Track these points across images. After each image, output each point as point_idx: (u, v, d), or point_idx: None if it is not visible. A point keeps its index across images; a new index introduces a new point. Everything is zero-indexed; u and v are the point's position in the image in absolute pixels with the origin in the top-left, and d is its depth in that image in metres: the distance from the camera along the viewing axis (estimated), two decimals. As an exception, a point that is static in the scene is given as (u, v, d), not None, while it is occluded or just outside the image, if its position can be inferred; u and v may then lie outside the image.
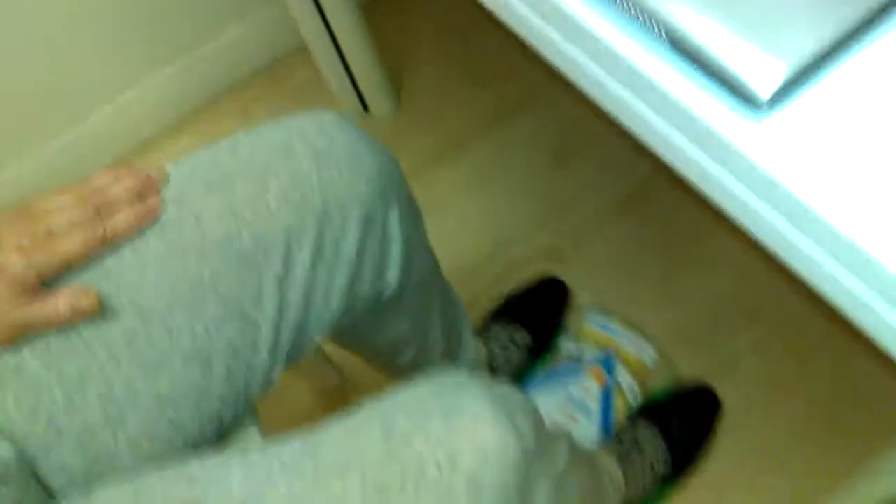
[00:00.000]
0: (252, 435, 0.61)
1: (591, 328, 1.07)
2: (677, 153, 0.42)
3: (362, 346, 0.79)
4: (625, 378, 1.03)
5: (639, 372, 1.03)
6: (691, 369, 1.03)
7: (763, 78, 0.36)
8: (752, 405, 1.00)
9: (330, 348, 1.07)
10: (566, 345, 1.07)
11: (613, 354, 1.04)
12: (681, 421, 0.96)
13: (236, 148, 0.57)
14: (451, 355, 0.87)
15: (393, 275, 0.64)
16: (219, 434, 0.58)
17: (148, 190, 0.54)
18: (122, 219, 0.52)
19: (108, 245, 0.51)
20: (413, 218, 0.67)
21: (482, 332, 1.05)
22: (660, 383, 1.03)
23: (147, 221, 0.53)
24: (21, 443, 0.50)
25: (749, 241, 1.08)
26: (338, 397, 1.11)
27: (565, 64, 0.46)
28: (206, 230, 0.54)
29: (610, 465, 0.88)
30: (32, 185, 1.33)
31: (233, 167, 0.56)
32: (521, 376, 1.05)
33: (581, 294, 1.11)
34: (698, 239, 1.12)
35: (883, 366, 0.98)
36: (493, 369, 1.00)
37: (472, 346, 0.92)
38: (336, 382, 1.10)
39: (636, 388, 1.02)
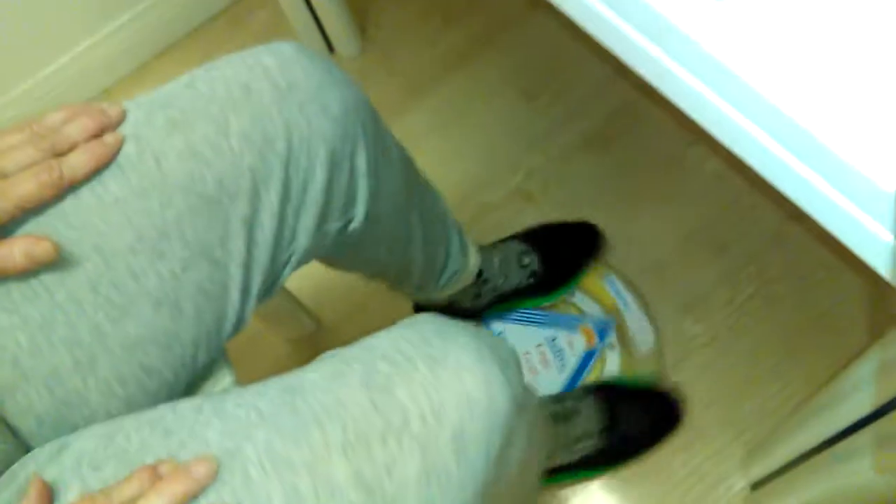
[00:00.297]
0: (226, 379, 0.61)
1: (606, 289, 1.05)
2: (633, 48, 0.41)
3: (341, 267, 0.78)
4: (612, 351, 1.01)
5: (629, 350, 1.02)
6: (661, 302, 1.04)
7: None
8: (720, 333, 1.02)
9: (305, 296, 1.08)
10: (576, 295, 1.05)
11: (613, 324, 1.03)
12: (632, 415, 0.94)
13: (194, 83, 0.55)
14: (433, 268, 0.86)
15: (360, 209, 0.63)
16: (192, 377, 0.58)
17: (105, 128, 0.51)
18: (79, 158, 0.49)
19: (64, 187, 0.49)
20: (382, 149, 0.65)
21: (497, 243, 1.03)
22: (644, 368, 1.01)
23: (105, 161, 0.50)
24: None
25: (716, 171, 1.09)
26: (313, 345, 1.11)
27: None
28: (167, 172, 0.52)
29: (538, 419, 0.86)
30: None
31: (191, 105, 0.54)
32: (517, 300, 1.03)
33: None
34: (664, 172, 1.12)
35: (847, 283, 1.00)
36: (483, 279, 0.98)
37: (457, 261, 0.89)
38: (311, 330, 1.10)
39: (617, 366, 1.00)
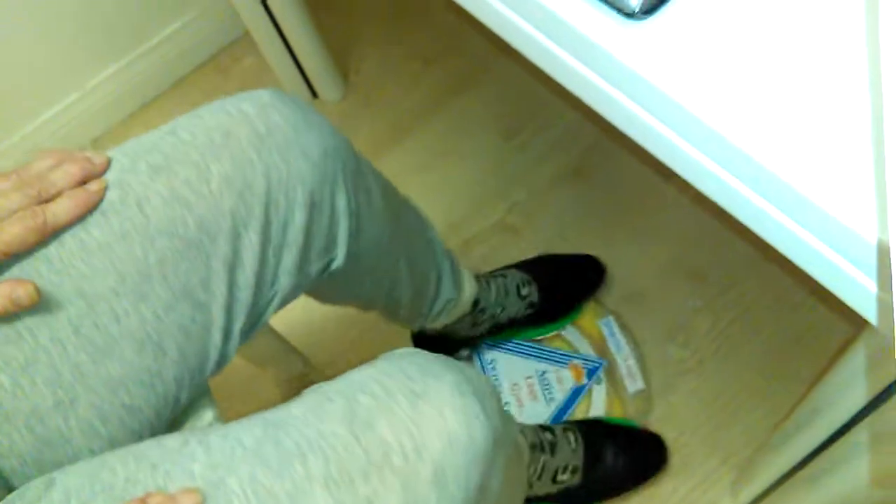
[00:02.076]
0: (208, 415, 0.62)
1: (601, 329, 1.06)
2: (566, 70, 0.43)
3: (329, 301, 0.79)
4: (600, 392, 1.02)
5: (616, 392, 1.02)
6: (643, 330, 1.06)
7: None
8: (706, 359, 1.03)
9: (295, 339, 1.08)
10: (569, 331, 1.06)
11: (604, 365, 1.04)
12: (615, 456, 0.93)
13: (176, 131, 0.57)
14: (424, 298, 0.86)
15: (341, 249, 0.64)
16: (175, 414, 0.58)
17: (90, 175, 0.53)
18: (63, 205, 0.51)
19: (48, 233, 0.50)
20: (364, 190, 0.67)
21: (497, 272, 1.03)
22: (627, 413, 1.01)
23: (89, 207, 0.52)
24: None
25: (692, 201, 1.11)
26: (304, 386, 1.11)
27: None
28: (149, 215, 0.53)
29: (523, 444, 0.85)
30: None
31: (173, 151, 0.55)
32: (513, 330, 1.04)
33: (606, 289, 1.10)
34: (642, 203, 1.15)
35: (819, 302, 1.02)
36: (479, 308, 0.98)
37: (451, 291, 0.90)
38: (302, 370, 1.11)
39: (603, 405, 1.01)
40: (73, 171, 0.52)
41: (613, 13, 0.39)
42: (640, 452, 0.96)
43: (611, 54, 0.39)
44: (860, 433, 0.57)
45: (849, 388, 0.55)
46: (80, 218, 0.52)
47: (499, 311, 1.00)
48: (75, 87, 1.32)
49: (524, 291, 1.01)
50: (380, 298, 0.80)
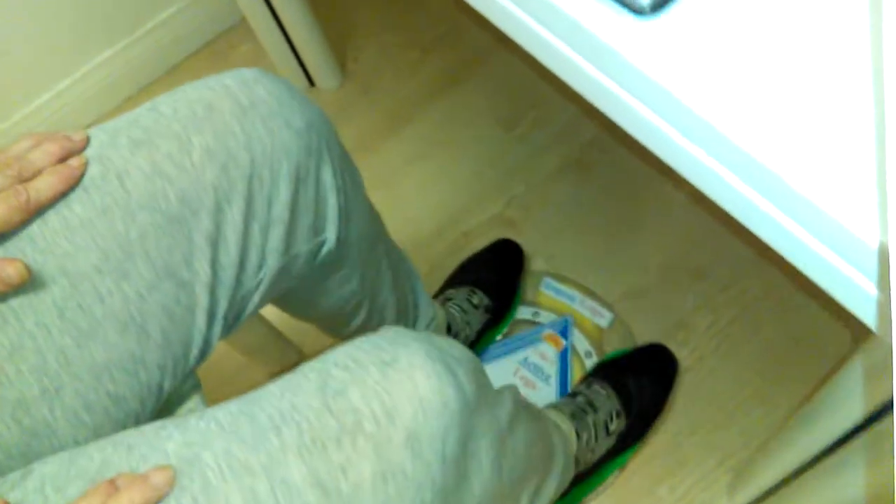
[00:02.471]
0: (196, 407, 0.61)
1: (548, 294, 1.08)
2: (573, 68, 0.42)
3: (314, 310, 0.78)
4: (581, 342, 1.04)
5: (594, 335, 1.04)
6: (643, 327, 1.04)
7: None
8: (705, 357, 1.02)
9: (286, 328, 1.07)
10: (524, 312, 1.08)
11: (570, 320, 1.05)
12: (635, 379, 0.96)
13: (157, 107, 0.56)
14: (406, 316, 0.87)
15: (331, 230, 0.63)
16: (159, 404, 0.57)
17: (70, 153, 0.52)
18: (45, 182, 0.50)
19: (32, 211, 0.50)
20: (348, 172, 0.66)
21: (439, 295, 1.05)
22: (615, 345, 1.03)
23: (70, 183, 0.51)
24: None
25: (691, 198, 1.10)
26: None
27: None
28: (130, 189, 0.52)
29: (560, 420, 0.88)
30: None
31: (154, 125, 0.54)
32: (482, 340, 1.05)
33: (536, 260, 1.11)
34: (643, 198, 1.13)
35: (819, 304, 1.01)
36: (453, 333, 1.00)
37: (429, 310, 0.91)
38: (294, 361, 1.09)
39: (593, 351, 1.03)
40: (52, 149, 0.51)
41: (622, 10, 0.38)
42: (654, 365, 0.99)
43: (619, 53, 0.38)
44: (857, 446, 0.56)
45: (847, 398, 0.54)
46: (63, 194, 0.51)
47: (468, 331, 1.01)
48: (68, 73, 1.31)
49: (475, 300, 1.03)
50: (364, 302, 0.78)
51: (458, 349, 0.53)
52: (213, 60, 1.41)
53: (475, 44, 1.31)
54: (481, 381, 0.54)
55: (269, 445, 0.46)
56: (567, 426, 0.87)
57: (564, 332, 1.05)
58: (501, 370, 1.04)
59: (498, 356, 1.05)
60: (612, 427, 0.92)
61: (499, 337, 1.07)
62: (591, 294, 1.07)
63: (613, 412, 0.92)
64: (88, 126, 1.34)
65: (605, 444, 0.92)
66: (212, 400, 0.64)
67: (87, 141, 0.53)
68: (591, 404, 0.91)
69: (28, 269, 0.48)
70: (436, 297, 1.05)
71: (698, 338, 1.03)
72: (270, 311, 0.96)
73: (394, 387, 0.47)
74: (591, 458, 0.91)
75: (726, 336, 1.02)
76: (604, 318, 1.05)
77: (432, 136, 1.25)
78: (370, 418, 0.46)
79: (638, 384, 0.96)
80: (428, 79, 1.30)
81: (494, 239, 1.12)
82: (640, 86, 0.38)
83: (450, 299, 1.03)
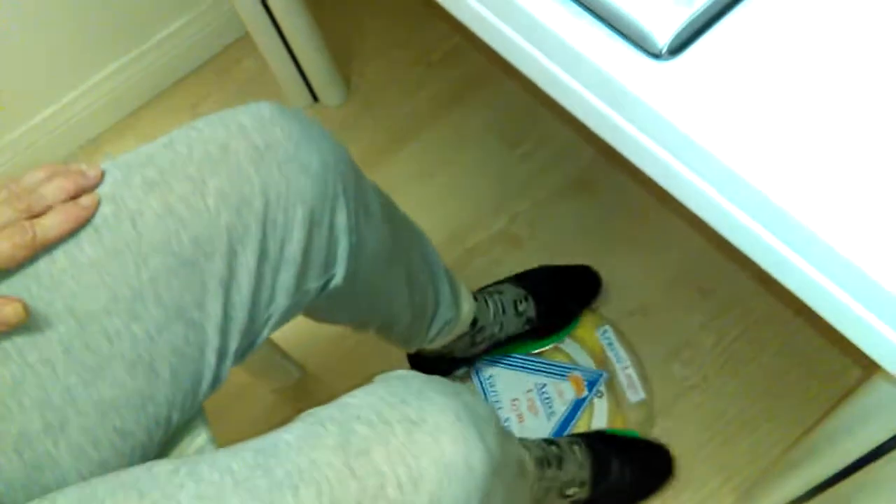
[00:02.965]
0: (201, 437, 0.60)
1: (599, 340, 1.05)
2: (589, 109, 0.41)
3: (325, 321, 0.77)
4: (601, 404, 1.01)
5: (617, 404, 1.01)
6: (647, 345, 1.04)
7: (660, 26, 0.36)
8: (709, 376, 1.01)
9: (290, 348, 1.07)
10: (567, 343, 1.05)
11: (605, 377, 1.02)
12: (621, 466, 0.91)
13: (172, 145, 0.55)
14: (422, 319, 0.85)
15: (339, 268, 0.63)
16: (167, 437, 0.57)
17: (83, 189, 0.51)
18: (53, 220, 0.49)
19: (37, 249, 0.49)
20: (363, 206, 0.65)
21: (493, 285, 1.02)
22: (630, 424, 1.00)
23: (79, 223, 0.50)
24: None
25: (694, 219, 1.10)
26: (299, 394, 1.10)
27: (473, 20, 0.45)
28: (142, 232, 0.52)
29: (529, 463, 0.83)
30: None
31: (169, 165, 0.54)
32: (513, 345, 1.03)
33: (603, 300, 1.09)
34: (648, 216, 1.13)
35: (830, 328, 1.00)
36: (478, 327, 0.96)
37: (449, 311, 0.88)
38: (297, 379, 1.09)
39: (605, 418, 1.00)
40: (64, 185, 0.50)
41: (638, 52, 0.37)
42: (646, 463, 0.95)
43: (635, 95, 0.37)
44: (872, 470, 0.55)
45: (865, 422, 0.54)
46: (72, 233, 0.50)
47: (497, 329, 0.98)
48: (74, 86, 1.31)
49: (521, 307, 1.00)
50: (377, 318, 0.78)
51: (483, 407, 0.52)
52: (218, 74, 1.41)
53: (480, 62, 1.31)
54: (502, 439, 0.53)
55: None
56: (532, 469, 0.84)
57: (592, 385, 1.02)
58: (516, 382, 1.03)
59: (520, 368, 1.04)
60: (569, 492, 0.88)
61: (530, 352, 1.05)
62: (639, 366, 1.03)
63: (576, 482, 0.88)
64: (95, 139, 1.36)
65: (557, 503, 0.88)
66: (218, 418, 0.64)
67: (102, 177, 0.53)
68: (560, 462, 0.87)
69: (27, 309, 0.47)
70: (489, 285, 1.01)
71: (703, 356, 1.02)
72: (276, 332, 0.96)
73: (419, 451, 0.46)
74: None
75: (731, 354, 1.02)
76: (635, 395, 1.01)
77: (436, 153, 1.25)
78: (394, 483, 0.45)
79: (620, 471, 0.92)
80: (432, 96, 1.30)
81: (499, 256, 1.11)
82: (662, 131, 0.37)
83: (498, 293, 1.00)
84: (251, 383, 1.07)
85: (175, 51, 1.37)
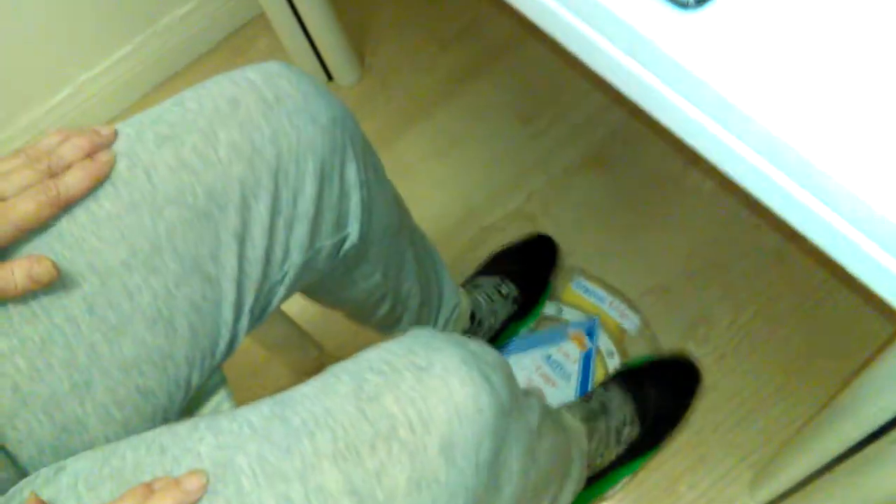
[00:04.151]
0: (224, 404, 0.61)
1: (577, 293, 1.07)
2: (615, 66, 0.41)
3: (339, 300, 0.78)
4: (606, 344, 1.03)
5: (620, 339, 1.03)
6: (664, 323, 1.04)
7: None
8: (726, 353, 1.01)
9: (307, 325, 1.07)
10: (550, 308, 1.07)
11: (597, 321, 1.04)
12: (655, 388, 0.94)
13: (182, 102, 0.56)
14: (429, 305, 0.86)
15: (353, 225, 0.63)
16: (187, 399, 0.58)
17: (98, 147, 0.52)
18: (74, 176, 0.50)
19: (62, 206, 0.50)
20: (372, 166, 0.66)
21: (468, 282, 1.04)
22: (640, 351, 1.02)
23: (99, 178, 0.51)
24: None
25: (718, 187, 1.09)
26: (317, 371, 1.10)
27: None
28: (157, 184, 0.52)
29: (574, 424, 0.86)
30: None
31: (180, 120, 0.54)
32: (506, 331, 1.04)
33: (564, 257, 1.11)
34: (664, 193, 1.13)
35: (847, 302, 1.00)
36: (477, 321, 0.99)
37: (453, 297, 0.91)
38: (315, 357, 1.10)
39: (616, 355, 1.02)
40: (81, 143, 0.51)
41: (665, 3, 0.37)
42: (676, 377, 0.97)
43: (662, 49, 0.37)
44: (887, 443, 0.55)
45: (879, 394, 0.53)
46: (92, 189, 0.51)
47: (492, 319, 1.01)
48: (89, 67, 1.31)
49: (503, 290, 1.02)
50: (390, 293, 0.78)
51: (491, 354, 0.53)
52: (232, 55, 1.41)
53: (494, 39, 1.31)
54: (514, 387, 0.53)
55: (302, 450, 0.46)
56: (580, 429, 0.87)
57: (591, 333, 1.04)
58: (524, 364, 1.04)
59: (522, 350, 1.05)
60: (624, 434, 0.91)
61: (524, 330, 1.06)
62: (620, 296, 1.06)
63: (627, 419, 0.91)
64: (111, 120, 1.36)
65: (616, 450, 0.90)
66: (237, 393, 0.65)
67: (116, 135, 0.53)
68: (604, 409, 0.90)
69: (57, 267, 0.48)
70: (465, 284, 1.04)
71: (720, 334, 1.02)
72: (292, 308, 0.97)
73: (429, 393, 0.47)
74: (600, 463, 0.89)
75: (748, 332, 1.02)
76: (631, 322, 1.04)
77: (450, 131, 1.25)
78: (405, 425, 0.46)
79: (656, 394, 0.94)
80: (446, 74, 1.30)
81: (514, 234, 1.12)
82: (689, 84, 0.37)
83: (478, 286, 1.02)
84: (269, 359, 1.08)
85: (189, 31, 1.37)
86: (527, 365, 1.04)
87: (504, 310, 1.02)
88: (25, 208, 0.48)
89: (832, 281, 1.01)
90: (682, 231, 1.09)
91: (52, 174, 0.50)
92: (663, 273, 1.07)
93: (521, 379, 1.03)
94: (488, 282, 1.03)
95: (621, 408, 0.91)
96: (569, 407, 0.90)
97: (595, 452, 0.88)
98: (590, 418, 0.88)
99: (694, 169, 1.12)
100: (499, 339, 1.04)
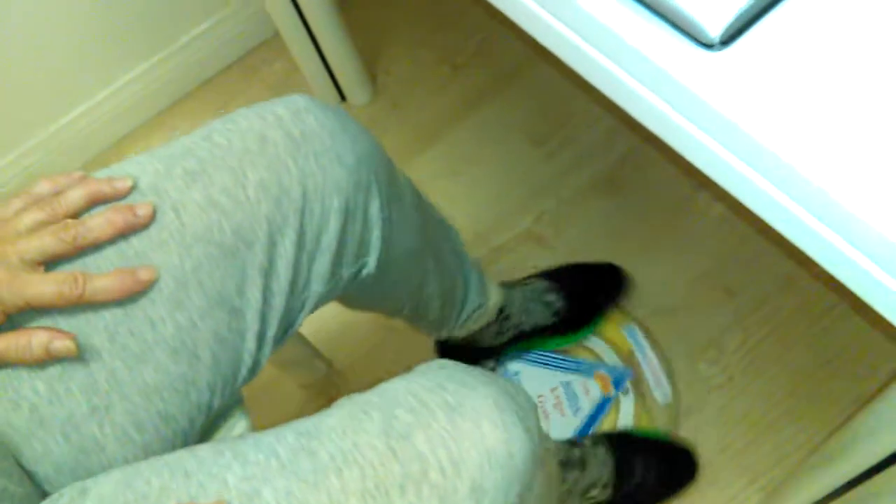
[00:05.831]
0: (241, 424, 0.61)
1: (625, 337, 1.04)
2: (638, 102, 0.41)
3: (357, 308, 0.79)
4: (627, 403, 1.00)
5: (643, 404, 1.01)
6: (673, 346, 1.04)
7: (712, 15, 0.36)
8: (735, 376, 1.01)
9: (318, 342, 1.08)
10: (592, 340, 1.05)
11: (630, 374, 1.02)
12: (643, 465, 0.91)
13: (211, 136, 0.56)
14: (452, 305, 0.86)
15: (372, 256, 0.64)
16: (207, 422, 0.58)
17: (133, 229, 0.52)
18: (104, 283, 0.50)
19: (85, 301, 0.50)
20: (395, 195, 0.66)
21: (523, 280, 1.02)
22: (657, 424, 0.99)
23: (133, 291, 0.51)
24: (2, 434, 0.50)
25: (723, 216, 1.10)
26: (327, 389, 1.11)
27: (517, 13, 0.45)
28: (186, 223, 0.53)
29: (553, 465, 0.84)
30: (6, 186, 1.31)
31: (209, 156, 0.55)
32: (536, 339, 1.03)
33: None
34: (674, 216, 1.13)
35: (857, 326, 1.00)
36: (504, 315, 0.97)
37: (478, 297, 0.89)
38: (324, 372, 1.10)
39: (631, 417, 0.99)
40: (115, 220, 0.51)
41: (689, 42, 0.37)
42: (671, 465, 0.95)
43: (688, 86, 0.37)
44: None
45: (892, 423, 0.53)
46: (121, 297, 0.51)
47: (523, 318, 0.99)
48: (104, 85, 1.32)
49: (548, 298, 1.00)
50: (408, 305, 0.79)
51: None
52: (246, 75, 1.42)
53: (506, 61, 1.32)
54: (542, 431, 0.53)
55: (330, 487, 0.45)
56: (559, 475, 0.83)
57: (618, 383, 1.01)
58: (542, 379, 1.03)
59: (544, 365, 1.04)
60: (591, 494, 0.88)
61: (555, 347, 1.04)
62: (666, 366, 1.02)
63: (600, 482, 0.88)
64: (123, 139, 1.37)
65: None
66: (249, 409, 0.65)
67: (152, 215, 0.53)
68: (583, 465, 0.87)
69: (77, 345, 0.49)
70: (520, 280, 1.02)
71: (729, 356, 1.02)
72: (303, 326, 0.97)
73: (461, 436, 0.46)
74: None
75: (757, 354, 1.02)
76: (662, 393, 1.00)
77: (461, 152, 1.26)
78: (436, 467, 0.46)
79: (642, 471, 0.92)
80: (458, 95, 1.31)
81: (524, 255, 1.12)
82: (713, 122, 0.37)
83: (526, 285, 1.01)
84: (280, 376, 1.09)
85: (204, 51, 1.39)
86: (545, 381, 1.02)
87: (540, 316, 1.00)
88: (42, 289, 0.48)
89: (842, 305, 1.02)
90: (692, 254, 1.10)
91: (77, 247, 0.50)
92: (673, 295, 1.08)
93: (533, 392, 1.03)
94: (539, 285, 1.01)
95: (600, 468, 0.88)
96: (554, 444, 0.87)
97: (560, 498, 0.85)
98: (566, 466, 0.86)
99: (703, 192, 1.12)
100: (526, 342, 1.02)
